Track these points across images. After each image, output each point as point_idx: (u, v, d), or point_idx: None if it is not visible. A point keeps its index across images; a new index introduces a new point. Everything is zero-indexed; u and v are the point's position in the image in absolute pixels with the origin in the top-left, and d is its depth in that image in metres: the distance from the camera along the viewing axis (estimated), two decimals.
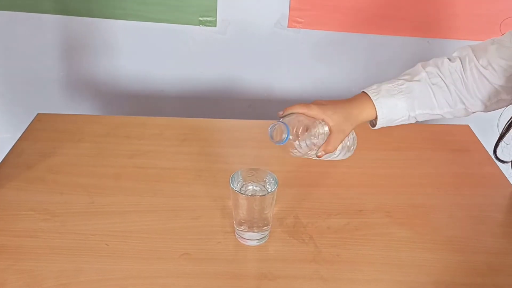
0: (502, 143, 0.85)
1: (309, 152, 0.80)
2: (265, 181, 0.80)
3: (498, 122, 0.87)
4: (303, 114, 0.79)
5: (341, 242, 0.82)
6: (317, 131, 0.78)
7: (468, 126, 1.17)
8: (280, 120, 0.77)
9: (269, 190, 0.78)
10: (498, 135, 0.85)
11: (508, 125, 0.83)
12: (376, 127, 0.85)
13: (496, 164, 1.00)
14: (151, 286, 0.73)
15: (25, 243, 0.79)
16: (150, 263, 0.76)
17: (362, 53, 1.49)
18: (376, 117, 0.83)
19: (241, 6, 1.40)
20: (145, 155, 1.02)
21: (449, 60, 0.86)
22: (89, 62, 1.49)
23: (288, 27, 1.43)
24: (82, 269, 0.74)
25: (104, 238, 0.80)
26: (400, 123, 0.86)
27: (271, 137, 0.77)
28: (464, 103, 0.85)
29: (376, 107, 0.82)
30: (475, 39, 1.44)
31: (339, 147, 0.82)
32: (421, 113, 0.85)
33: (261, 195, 0.77)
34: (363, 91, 0.84)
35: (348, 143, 0.85)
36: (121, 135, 1.08)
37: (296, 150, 0.78)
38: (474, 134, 1.14)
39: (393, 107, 0.83)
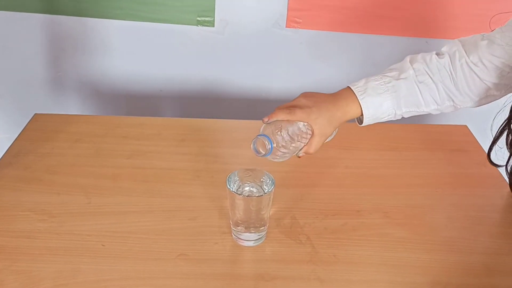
0: (495, 147, 0.85)
1: (292, 154, 0.80)
2: (262, 181, 0.80)
3: (491, 126, 0.86)
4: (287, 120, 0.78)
5: (338, 243, 0.82)
6: (300, 135, 0.78)
7: (466, 126, 1.17)
8: (261, 133, 0.76)
9: (266, 191, 0.78)
10: (492, 140, 0.85)
11: (501, 129, 0.82)
12: (363, 125, 0.85)
13: None
14: (148, 287, 0.73)
15: (22, 244, 0.79)
16: (147, 263, 0.76)
17: (360, 53, 1.50)
18: (362, 115, 0.83)
19: (239, 6, 1.40)
20: (143, 155, 1.02)
21: (438, 56, 0.85)
22: (86, 62, 1.49)
23: (286, 27, 1.43)
24: (79, 270, 0.74)
25: (101, 239, 0.80)
26: (387, 120, 0.86)
27: (256, 151, 0.75)
28: (452, 100, 0.85)
29: (362, 107, 0.81)
30: None
31: None
32: (407, 111, 0.85)
33: (258, 196, 0.77)
34: (349, 87, 0.83)
35: None
36: (119, 135, 1.08)
37: (279, 156, 0.77)
38: (472, 134, 1.14)
39: (378, 106, 0.82)
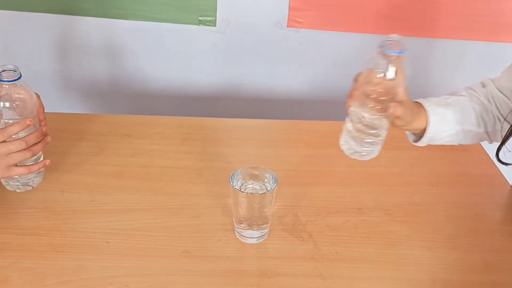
0: (504, 148, 0.85)
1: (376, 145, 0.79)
2: (265, 179, 0.81)
3: (501, 127, 0.86)
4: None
5: (340, 240, 0.82)
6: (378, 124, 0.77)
7: None
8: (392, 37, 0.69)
9: (268, 189, 0.79)
10: (502, 139, 0.85)
11: (511, 130, 0.82)
12: (422, 141, 0.83)
13: (494, 163, 1.01)
14: (152, 284, 0.73)
15: (27, 241, 0.79)
16: (151, 260, 0.77)
17: (361, 53, 1.49)
18: (424, 129, 0.81)
19: (241, 6, 1.41)
20: (146, 154, 1.03)
21: (482, 85, 0.90)
22: (89, 61, 1.50)
23: (287, 26, 1.43)
24: (83, 267, 0.75)
25: (105, 236, 0.81)
26: (447, 138, 0.84)
27: (387, 49, 0.67)
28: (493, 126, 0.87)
29: (428, 113, 0.80)
30: (474, 39, 1.45)
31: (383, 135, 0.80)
32: (467, 129, 0.85)
33: (261, 194, 0.78)
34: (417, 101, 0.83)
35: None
36: (122, 134, 1.09)
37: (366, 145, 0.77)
38: None
39: (443, 116, 0.82)
